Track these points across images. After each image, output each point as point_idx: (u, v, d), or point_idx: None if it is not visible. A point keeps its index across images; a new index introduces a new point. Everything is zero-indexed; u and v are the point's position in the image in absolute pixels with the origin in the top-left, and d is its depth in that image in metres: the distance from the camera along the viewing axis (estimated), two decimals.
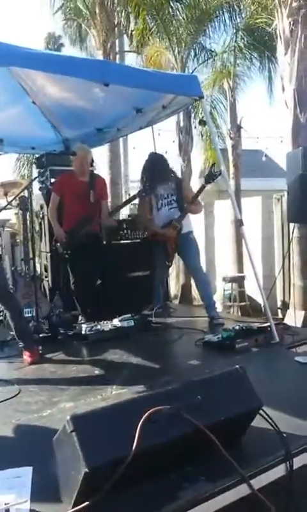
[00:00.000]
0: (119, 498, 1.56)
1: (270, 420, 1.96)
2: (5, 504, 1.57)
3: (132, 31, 9.40)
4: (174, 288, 8.58)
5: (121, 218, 5.79)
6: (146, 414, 1.64)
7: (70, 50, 12.30)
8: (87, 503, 1.51)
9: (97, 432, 1.59)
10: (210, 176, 4.18)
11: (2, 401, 2.63)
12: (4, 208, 3.84)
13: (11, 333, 3.63)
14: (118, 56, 9.62)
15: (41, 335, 3.84)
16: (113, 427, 1.63)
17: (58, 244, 4.35)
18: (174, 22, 8.65)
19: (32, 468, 1.81)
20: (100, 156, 8.23)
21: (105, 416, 1.69)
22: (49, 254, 5.01)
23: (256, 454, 1.90)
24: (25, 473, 1.79)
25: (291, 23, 5.90)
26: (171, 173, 4.69)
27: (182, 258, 4.95)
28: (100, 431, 1.60)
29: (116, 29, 9.12)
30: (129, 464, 1.53)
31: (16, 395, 2.72)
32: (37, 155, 5.76)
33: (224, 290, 8.20)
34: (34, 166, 8.12)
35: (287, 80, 6.03)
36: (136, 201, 4.86)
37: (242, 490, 1.71)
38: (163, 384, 2.52)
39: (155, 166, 4.53)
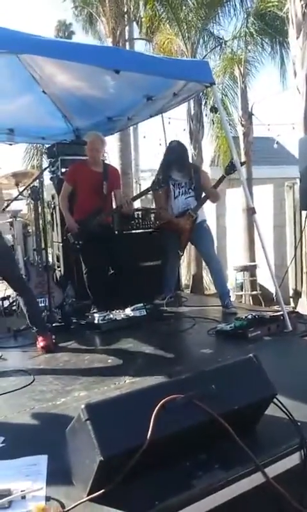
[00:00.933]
0: (134, 486, 1.57)
1: (284, 409, 1.96)
2: (21, 491, 1.59)
3: (141, 17, 9.30)
4: (185, 277, 8.58)
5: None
6: (161, 403, 1.64)
7: (80, 38, 12.25)
8: (102, 491, 1.52)
9: (112, 421, 1.59)
10: (231, 168, 4.13)
11: (16, 390, 2.66)
12: (16, 198, 3.85)
13: (25, 322, 3.66)
14: (127, 44, 9.53)
15: (54, 325, 3.85)
16: (127, 415, 1.63)
17: (69, 234, 4.35)
18: (183, 7, 8.53)
19: (47, 456, 1.83)
20: (111, 146, 8.20)
21: (120, 404, 1.70)
22: (61, 244, 5.02)
23: (271, 442, 1.90)
24: (41, 461, 1.80)
25: (304, 5, 5.77)
26: (189, 161, 4.64)
27: (196, 247, 4.93)
28: (115, 420, 1.60)
29: (125, 16, 9.03)
30: (144, 452, 1.53)
31: (31, 383, 2.74)
32: (47, 145, 5.75)
33: (236, 279, 8.18)
34: (44, 156, 8.11)
35: (299, 64, 5.92)
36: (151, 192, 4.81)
37: (256, 479, 1.71)
38: (176, 373, 2.53)
39: (174, 154, 4.48)
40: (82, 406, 1.60)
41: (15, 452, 1.88)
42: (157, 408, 1.62)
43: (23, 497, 1.57)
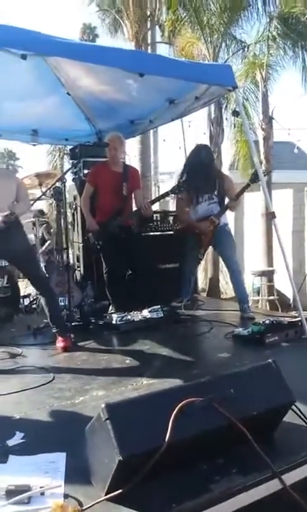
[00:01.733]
0: (151, 487, 1.58)
1: (302, 416, 1.95)
2: (40, 487, 1.61)
3: (164, 21, 9.31)
4: (202, 281, 8.56)
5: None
6: (179, 405, 1.65)
7: (104, 41, 12.33)
8: (120, 491, 1.53)
9: (131, 422, 1.60)
10: (257, 176, 4.10)
11: (36, 387, 2.69)
12: (39, 198, 3.90)
13: (45, 320, 3.71)
14: (149, 47, 9.55)
15: (73, 324, 3.89)
16: (147, 416, 1.64)
17: (90, 234, 4.39)
18: (206, 11, 8.52)
19: (66, 454, 1.84)
20: (131, 148, 8.23)
21: (139, 405, 1.71)
22: (81, 244, 5.06)
23: (288, 449, 1.89)
24: (59, 459, 1.82)
25: None
26: (213, 167, 4.64)
27: (217, 251, 4.91)
28: (134, 420, 1.61)
29: (149, 19, 9.06)
30: (162, 454, 1.54)
31: (51, 381, 2.78)
32: (70, 147, 5.80)
33: (253, 284, 8.14)
34: (66, 157, 8.15)
35: None
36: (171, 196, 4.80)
37: (273, 485, 1.70)
38: (193, 377, 2.53)
39: (202, 162, 4.47)
40: (102, 405, 1.61)
41: (35, 449, 1.90)
42: (175, 411, 1.63)
43: (42, 493, 1.59)
